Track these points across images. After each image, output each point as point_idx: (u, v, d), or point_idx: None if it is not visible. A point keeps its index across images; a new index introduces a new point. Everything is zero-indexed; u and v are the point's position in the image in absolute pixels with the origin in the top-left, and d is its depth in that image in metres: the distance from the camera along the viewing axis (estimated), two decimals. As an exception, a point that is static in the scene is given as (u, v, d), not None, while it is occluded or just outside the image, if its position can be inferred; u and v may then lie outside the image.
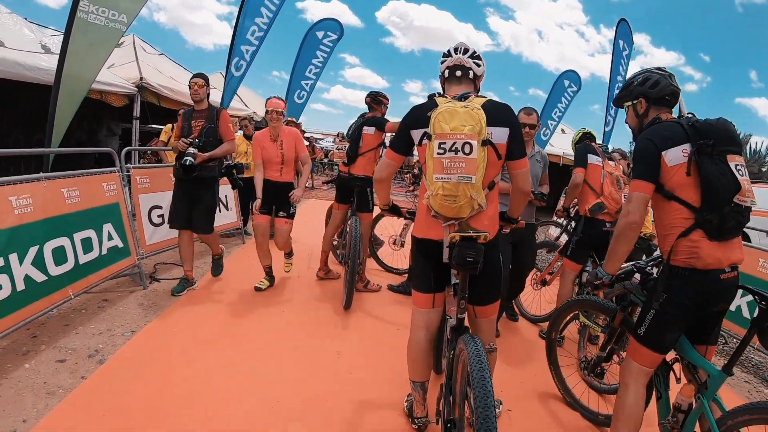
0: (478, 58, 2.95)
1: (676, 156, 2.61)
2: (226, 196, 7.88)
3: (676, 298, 2.64)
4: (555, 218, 7.02)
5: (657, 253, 2.99)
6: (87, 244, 4.69)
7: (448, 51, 2.99)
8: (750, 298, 5.09)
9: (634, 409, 2.80)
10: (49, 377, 3.53)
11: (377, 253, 7.20)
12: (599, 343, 3.61)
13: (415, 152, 3.05)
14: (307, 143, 9.90)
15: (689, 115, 2.76)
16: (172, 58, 13.31)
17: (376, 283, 6.27)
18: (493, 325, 3.10)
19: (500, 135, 2.75)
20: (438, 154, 2.61)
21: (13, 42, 7.65)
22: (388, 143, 3.70)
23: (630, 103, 2.94)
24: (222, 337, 4.45)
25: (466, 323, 2.90)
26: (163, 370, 3.77)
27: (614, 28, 11.96)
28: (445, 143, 2.60)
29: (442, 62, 3.00)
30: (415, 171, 7.41)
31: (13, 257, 3.79)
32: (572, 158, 5.20)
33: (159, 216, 6.16)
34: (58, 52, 5.63)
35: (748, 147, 30.01)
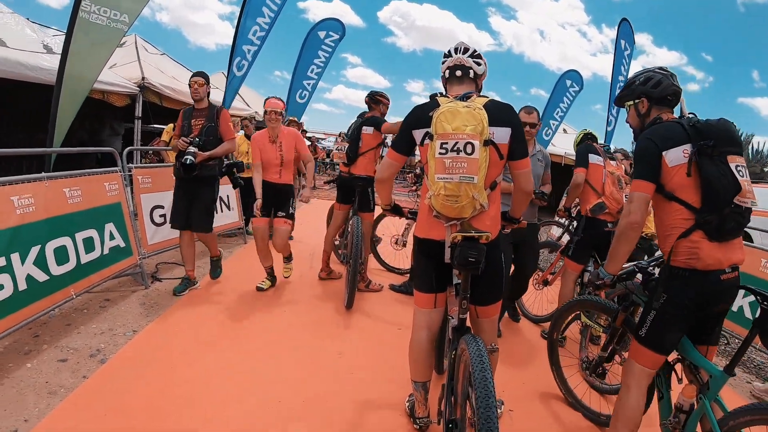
0: (478, 57, 2.94)
1: (676, 156, 2.60)
2: (228, 195, 7.90)
3: (677, 298, 2.64)
4: (556, 218, 7.02)
5: (659, 253, 2.98)
6: (89, 244, 4.69)
7: (449, 51, 2.99)
8: (752, 298, 5.07)
9: (634, 411, 2.80)
10: (51, 377, 3.54)
11: (376, 249, 7.19)
12: (601, 343, 3.61)
13: (417, 152, 3.04)
14: (309, 143, 9.90)
15: (690, 116, 2.75)
16: (174, 57, 13.33)
17: (377, 283, 6.27)
18: (495, 325, 3.09)
19: (502, 135, 2.75)
20: (440, 154, 2.61)
21: (15, 42, 7.66)
22: (389, 143, 3.70)
23: (631, 102, 2.93)
24: (224, 336, 4.46)
25: (468, 323, 2.89)
26: (165, 370, 3.77)
27: (616, 27, 11.95)
28: (447, 143, 2.60)
29: (443, 63, 3.01)
30: (417, 171, 7.41)
31: (15, 257, 3.79)
32: (574, 158, 5.19)
33: (161, 216, 6.17)
34: (60, 52, 5.63)
35: (750, 147, 29.92)
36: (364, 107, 6.07)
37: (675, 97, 2.82)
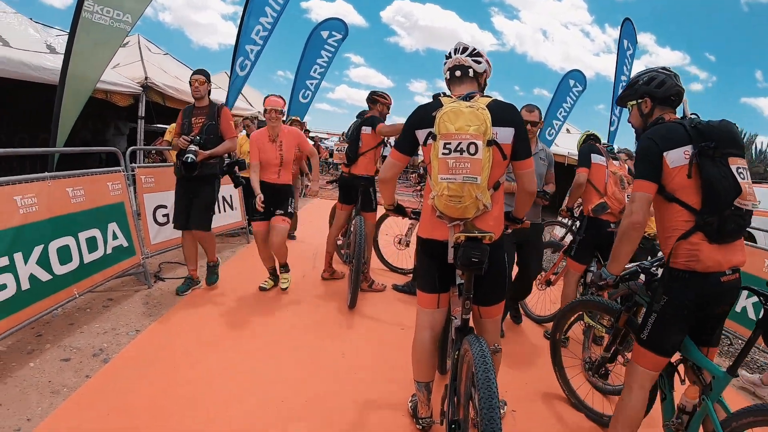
0: (478, 55, 2.92)
1: (677, 157, 2.59)
2: (231, 195, 7.90)
3: (677, 301, 2.63)
4: (559, 218, 7.02)
5: (661, 253, 2.98)
6: (92, 244, 4.70)
7: (449, 53, 2.99)
8: (755, 299, 5.06)
9: (635, 412, 2.81)
10: (54, 376, 3.54)
11: (379, 249, 7.19)
12: (604, 344, 3.60)
13: (420, 152, 3.04)
14: (312, 143, 9.88)
15: (692, 116, 2.75)
16: (177, 57, 13.32)
17: (380, 283, 6.27)
18: (498, 325, 3.10)
19: (505, 135, 2.74)
20: (443, 154, 2.61)
21: (19, 42, 7.67)
22: (392, 142, 3.70)
23: (634, 102, 2.92)
24: (226, 336, 4.46)
25: (471, 324, 2.89)
26: (168, 370, 3.77)
27: (619, 27, 11.95)
28: (450, 143, 2.59)
29: (444, 64, 3.01)
30: (420, 171, 7.41)
31: (18, 256, 3.80)
32: (577, 158, 5.19)
33: (164, 215, 6.17)
34: (63, 52, 5.64)
35: (753, 147, 29.82)
36: (367, 107, 6.08)
37: (678, 97, 2.81)
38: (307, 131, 15.14)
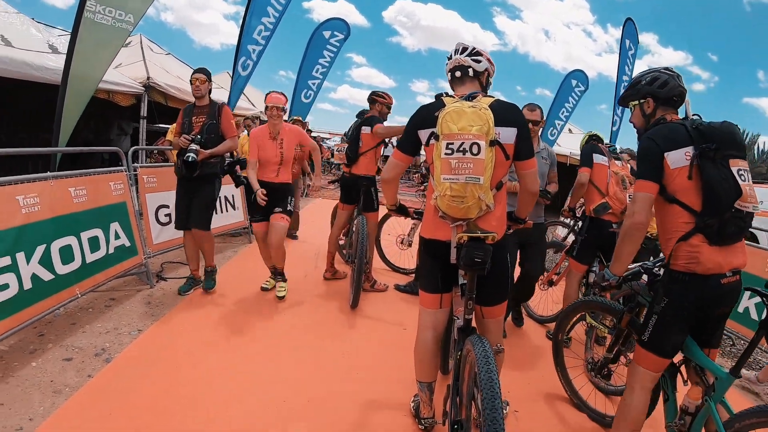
0: (477, 54, 2.92)
1: (678, 158, 2.59)
2: (233, 195, 7.91)
3: (677, 302, 2.63)
4: (561, 218, 7.01)
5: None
6: (94, 243, 4.70)
7: (450, 54, 2.99)
8: (758, 299, 5.06)
9: (637, 413, 2.81)
10: (56, 376, 3.54)
11: (381, 249, 7.19)
12: (606, 344, 3.60)
13: (422, 152, 3.03)
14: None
15: (694, 117, 2.74)
16: (179, 57, 13.36)
17: (383, 283, 6.27)
18: (501, 325, 3.10)
19: (508, 135, 2.74)
20: (446, 154, 2.60)
21: (21, 42, 7.69)
22: (395, 142, 3.69)
23: (637, 102, 2.92)
24: (228, 336, 4.46)
25: (474, 324, 2.89)
26: (170, 370, 3.77)
27: (621, 27, 11.94)
28: (452, 143, 2.59)
29: (446, 65, 3.01)
30: (423, 171, 7.40)
31: (21, 256, 3.80)
32: (579, 158, 5.18)
33: (166, 215, 6.18)
34: (66, 51, 5.65)
35: (756, 147, 29.80)
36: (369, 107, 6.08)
37: (680, 98, 2.81)
38: (309, 131, 15.12)
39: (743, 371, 4.63)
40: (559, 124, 13.32)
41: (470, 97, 2.73)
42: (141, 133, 9.97)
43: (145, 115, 9.77)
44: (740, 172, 2.55)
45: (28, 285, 3.84)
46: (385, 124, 5.93)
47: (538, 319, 5.67)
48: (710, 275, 2.57)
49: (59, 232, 4.25)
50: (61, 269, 4.23)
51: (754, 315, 5.22)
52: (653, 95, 2.82)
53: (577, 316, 3.90)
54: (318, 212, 10.81)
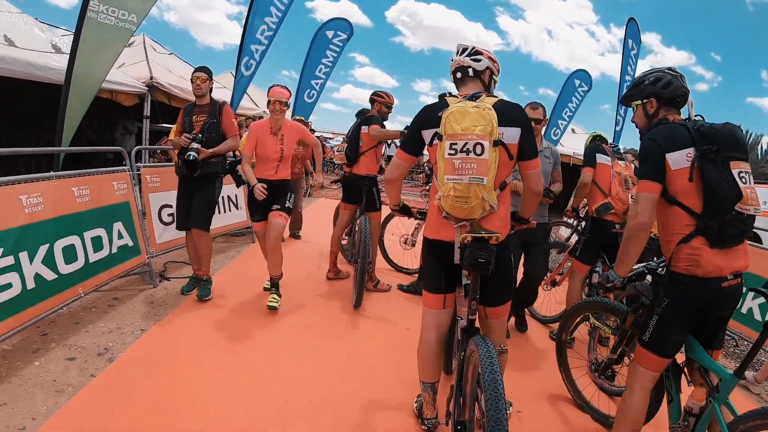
0: (476, 53, 2.93)
1: (680, 159, 2.58)
2: (236, 195, 7.91)
3: (678, 304, 2.63)
4: (565, 218, 7.00)
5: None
6: (97, 243, 4.71)
7: (452, 56, 2.99)
8: (762, 300, 5.05)
9: (637, 412, 2.81)
10: (59, 375, 3.55)
11: (384, 248, 7.19)
12: (610, 345, 3.59)
13: (426, 152, 3.03)
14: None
15: (697, 118, 2.73)
16: (182, 57, 13.37)
17: (386, 283, 6.27)
18: (504, 326, 3.09)
19: (512, 135, 2.73)
20: (449, 154, 2.60)
21: (24, 42, 7.70)
22: (398, 142, 3.69)
23: (639, 102, 2.91)
24: (230, 336, 4.46)
25: (477, 324, 2.88)
26: (173, 369, 3.77)
27: (624, 27, 11.93)
28: (456, 144, 2.58)
29: (450, 67, 3.01)
30: (427, 170, 7.40)
31: (24, 255, 3.80)
32: (582, 158, 5.18)
33: (169, 215, 6.18)
34: (69, 51, 5.66)
35: (759, 147, 29.70)
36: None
37: (683, 98, 2.80)
38: (312, 131, 15.12)
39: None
40: (562, 124, 13.32)
41: (474, 97, 2.72)
42: (144, 133, 9.98)
43: (148, 114, 9.79)
44: (741, 174, 2.54)
45: (31, 284, 3.84)
46: (386, 123, 5.95)
47: (542, 320, 5.66)
48: (711, 278, 2.56)
49: (62, 232, 4.26)
50: (64, 269, 4.23)
51: (757, 316, 5.20)
52: (656, 95, 2.81)
53: (581, 316, 3.89)
54: (321, 212, 10.81)
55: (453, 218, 2.73)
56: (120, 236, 5.08)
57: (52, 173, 4.32)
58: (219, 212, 7.34)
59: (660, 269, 2.97)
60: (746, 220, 2.56)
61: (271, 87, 5.18)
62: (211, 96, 5.26)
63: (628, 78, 11.84)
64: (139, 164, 5.96)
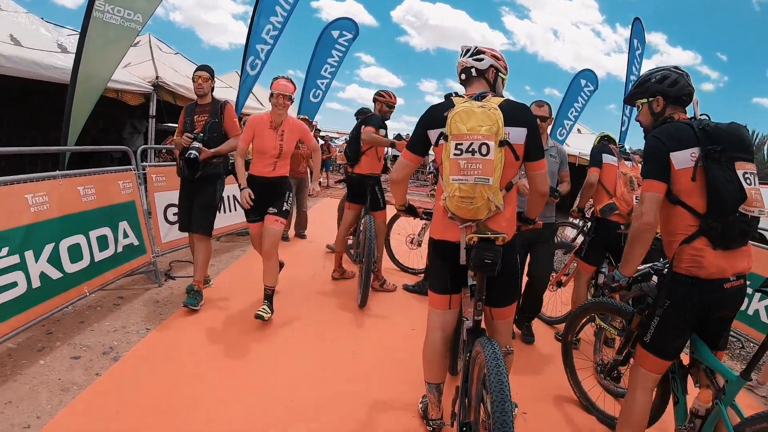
0: (478, 53, 2.92)
1: (684, 159, 2.56)
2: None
3: (679, 305, 2.61)
4: (570, 219, 6.99)
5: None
6: (102, 242, 4.72)
7: (458, 60, 2.99)
8: (769, 301, 5.03)
9: (640, 414, 2.79)
10: (64, 374, 3.55)
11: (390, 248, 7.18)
12: (615, 346, 3.57)
13: (432, 152, 3.02)
14: (322, 142, 9.87)
15: (702, 118, 2.71)
16: (187, 57, 13.37)
17: (391, 283, 6.26)
18: (510, 327, 3.08)
19: (518, 135, 2.72)
20: (455, 155, 2.59)
21: (30, 41, 7.73)
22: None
23: (645, 100, 2.88)
24: (235, 335, 4.46)
25: (483, 325, 2.87)
26: (178, 368, 3.78)
27: (629, 27, 11.91)
28: (461, 144, 2.57)
29: (456, 69, 3.02)
30: (432, 170, 7.40)
31: (29, 254, 3.81)
32: (588, 158, 5.16)
33: (174, 214, 6.17)
34: (75, 51, 5.67)
35: (765, 147, 29.61)
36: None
37: (689, 97, 2.78)
38: (318, 131, 15.14)
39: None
40: (568, 124, 13.30)
41: (480, 97, 2.71)
42: (150, 132, 10.01)
43: (154, 114, 9.81)
44: (746, 176, 2.51)
45: (36, 283, 3.85)
46: (389, 123, 5.99)
47: (547, 321, 5.64)
48: (713, 280, 2.54)
49: (68, 231, 4.27)
50: (70, 268, 4.24)
51: (764, 317, 5.16)
52: (663, 93, 2.79)
53: (587, 317, 3.87)
54: (326, 212, 10.82)
55: (459, 219, 2.72)
56: (125, 235, 5.09)
57: (57, 172, 4.33)
58: (224, 212, 7.35)
59: (666, 270, 2.96)
60: (750, 222, 2.54)
61: (275, 78, 4.80)
62: (212, 95, 5.19)
63: (633, 78, 11.79)
64: (144, 163, 5.96)
